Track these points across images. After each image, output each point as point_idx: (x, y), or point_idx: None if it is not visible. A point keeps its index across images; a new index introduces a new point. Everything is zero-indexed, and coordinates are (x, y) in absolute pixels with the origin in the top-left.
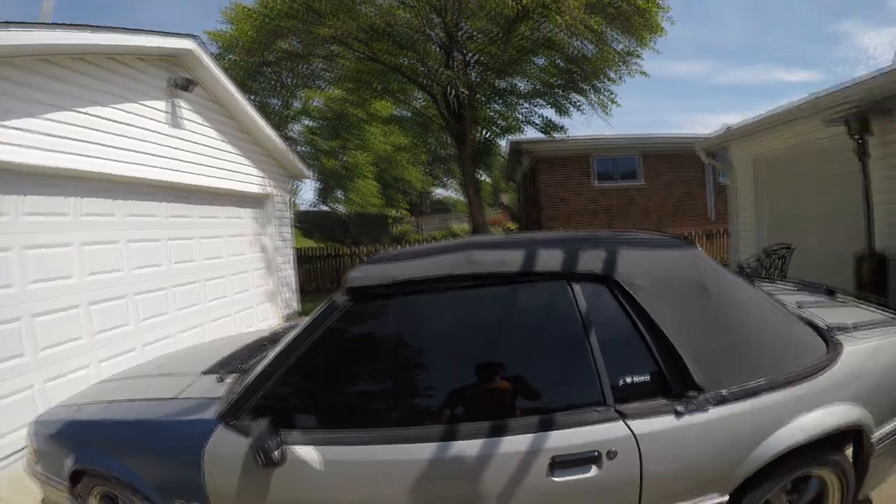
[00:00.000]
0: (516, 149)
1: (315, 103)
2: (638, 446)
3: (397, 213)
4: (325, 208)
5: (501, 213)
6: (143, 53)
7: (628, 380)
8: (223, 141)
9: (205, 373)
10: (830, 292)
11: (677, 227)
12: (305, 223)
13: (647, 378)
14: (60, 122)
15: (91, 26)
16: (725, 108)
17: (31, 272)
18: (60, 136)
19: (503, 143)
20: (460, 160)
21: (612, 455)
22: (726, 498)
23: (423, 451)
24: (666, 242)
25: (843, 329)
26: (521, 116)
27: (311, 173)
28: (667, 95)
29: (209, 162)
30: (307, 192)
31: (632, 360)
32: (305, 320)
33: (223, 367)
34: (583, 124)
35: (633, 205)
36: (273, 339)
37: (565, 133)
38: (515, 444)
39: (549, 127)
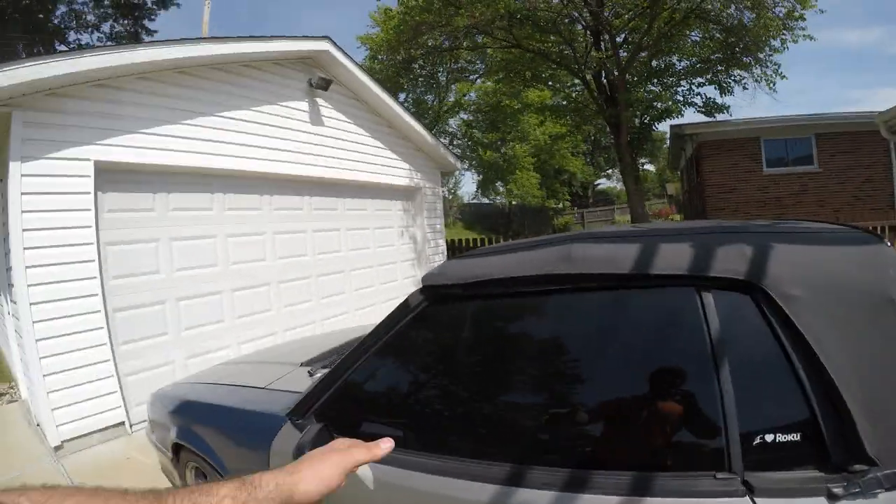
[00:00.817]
0: (678, 134)
1: (469, 97)
2: None
3: (559, 204)
4: (485, 200)
5: (667, 203)
6: (279, 58)
7: (766, 439)
8: (367, 136)
9: (303, 364)
10: None
11: (856, 219)
12: (467, 215)
13: (794, 438)
14: (200, 126)
15: (221, 38)
16: None
17: (177, 260)
18: (199, 139)
19: (664, 129)
20: (617, 147)
21: None
22: None
23: (482, 492)
24: (840, 236)
25: None
26: (679, 97)
27: (461, 165)
28: (839, 70)
29: (352, 157)
30: (469, 185)
31: (775, 408)
32: (378, 323)
33: (320, 360)
34: (748, 105)
35: (805, 193)
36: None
37: (729, 113)
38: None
39: (710, 107)
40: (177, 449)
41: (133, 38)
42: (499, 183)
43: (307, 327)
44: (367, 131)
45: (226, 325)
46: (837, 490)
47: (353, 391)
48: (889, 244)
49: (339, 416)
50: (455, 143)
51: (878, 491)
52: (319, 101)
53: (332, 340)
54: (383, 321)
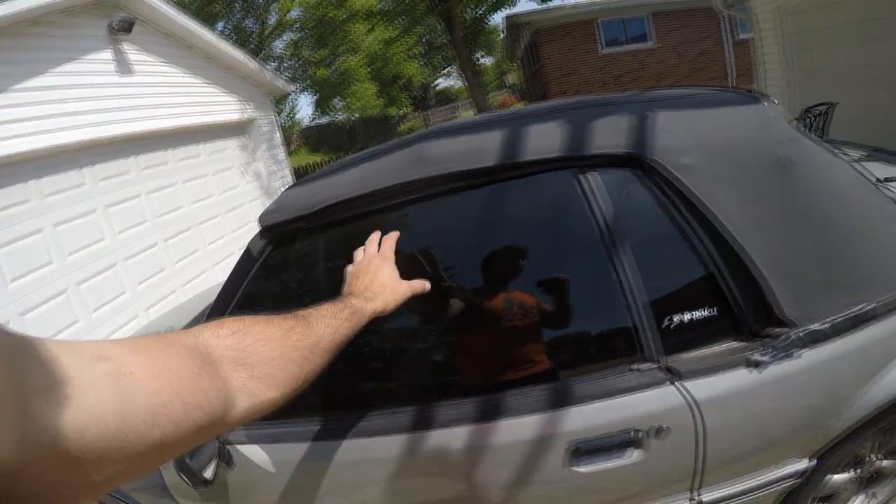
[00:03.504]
0: (514, 24)
1: (292, 14)
2: (699, 415)
3: (401, 110)
4: (325, 121)
5: (508, 94)
6: (69, 6)
7: (681, 319)
8: (186, 74)
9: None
10: None
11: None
12: (310, 138)
13: (709, 313)
14: None
15: None
16: None
17: (5, 269)
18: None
19: (498, 20)
20: (453, 42)
21: (659, 433)
22: (812, 463)
23: (391, 445)
24: (722, 98)
25: None
26: None
27: (292, 87)
28: None
29: (173, 101)
30: (306, 108)
31: (683, 285)
32: (223, 282)
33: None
34: None
35: (644, 69)
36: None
37: None
38: (514, 430)
39: None
40: None
41: None
42: (336, 100)
43: (170, 298)
44: (184, 69)
45: (81, 323)
46: (759, 357)
47: None
48: (765, 101)
49: None
50: (284, 66)
51: (800, 350)
52: (125, 46)
53: (190, 308)
54: (228, 280)
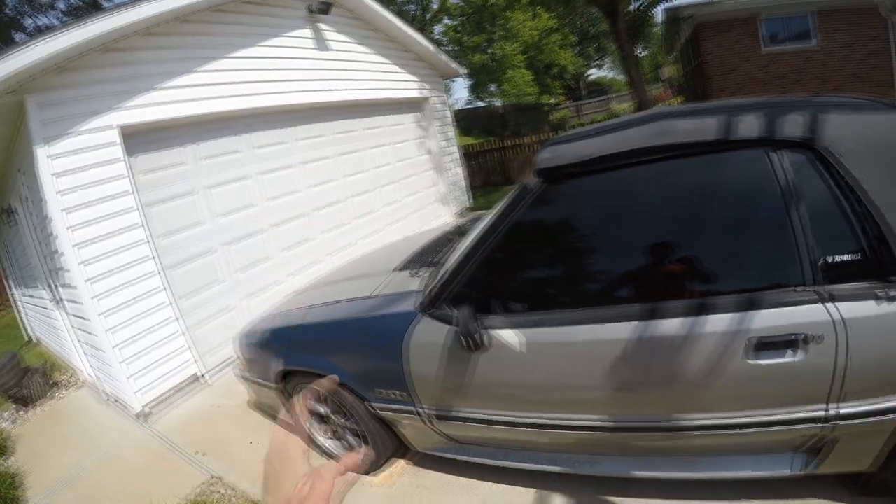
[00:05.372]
0: (673, 16)
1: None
2: (845, 331)
3: (553, 99)
4: (480, 104)
5: (663, 88)
6: None
7: (835, 259)
8: (372, 53)
9: (397, 270)
10: None
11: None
12: (463, 121)
13: (855, 257)
14: (212, 71)
15: None
16: None
17: (216, 208)
18: (214, 84)
19: (657, 13)
20: (615, 35)
21: (816, 339)
22: None
23: (621, 330)
24: (874, 105)
25: None
26: None
27: (462, 70)
28: None
29: (361, 76)
30: (461, 91)
31: (839, 237)
32: (497, 207)
33: (414, 263)
34: None
35: (806, 70)
36: (460, 231)
37: None
38: (713, 323)
39: None
40: (283, 377)
41: (92, 6)
42: (492, 85)
43: (348, 250)
44: (370, 48)
45: (274, 260)
46: (889, 292)
47: (490, 272)
48: None
49: (480, 296)
50: (444, 49)
51: None
52: (321, 25)
53: (401, 250)
54: (503, 207)
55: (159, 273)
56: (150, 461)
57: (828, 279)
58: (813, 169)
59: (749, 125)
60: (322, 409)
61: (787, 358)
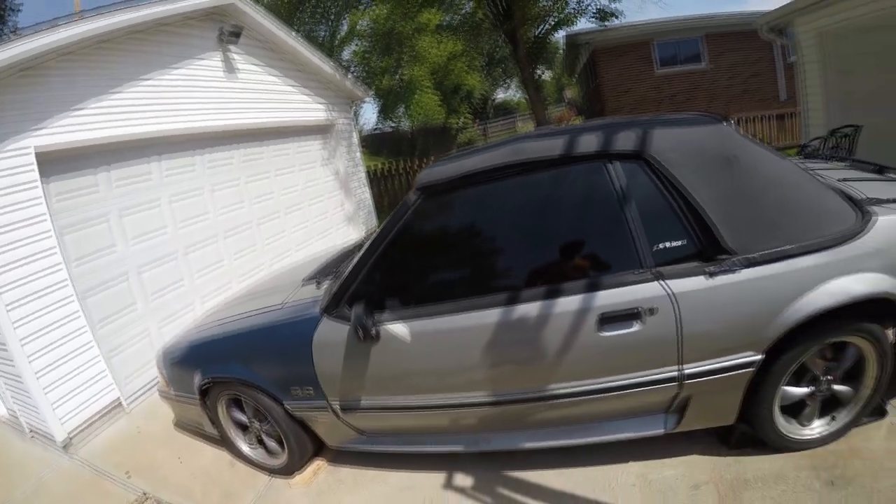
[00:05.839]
0: (573, 42)
1: (361, 24)
2: (676, 303)
3: (461, 121)
4: (388, 127)
5: (567, 108)
6: (189, 16)
7: (665, 245)
8: (279, 79)
9: (304, 281)
10: (881, 170)
11: (745, 111)
12: (372, 143)
13: (681, 243)
14: (126, 95)
15: (136, 5)
16: None
17: (129, 233)
18: (128, 109)
19: (559, 37)
20: (516, 60)
21: (652, 311)
22: (761, 356)
23: (492, 315)
24: (695, 120)
25: (879, 202)
26: (572, 8)
27: (368, 94)
28: None
29: (268, 102)
30: (369, 114)
31: (667, 227)
32: (385, 220)
33: (319, 275)
34: (638, 11)
35: (697, 90)
36: (358, 246)
37: (621, 18)
38: (568, 304)
39: (602, 14)
40: (204, 391)
41: None
42: (400, 107)
43: (259, 272)
44: (278, 74)
45: (187, 286)
46: (712, 269)
47: (380, 274)
48: (727, 123)
49: (372, 296)
50: (352, 71)
51: (738, 269)
52: (232, 52)
53: (308, 265)
54: (391, 217)
55: (76, 298)
56: (78, 488)
57: (660, 262)
58: (643, 174)
59: (589, 142)
60: (243, 417)
61: (633, 328)
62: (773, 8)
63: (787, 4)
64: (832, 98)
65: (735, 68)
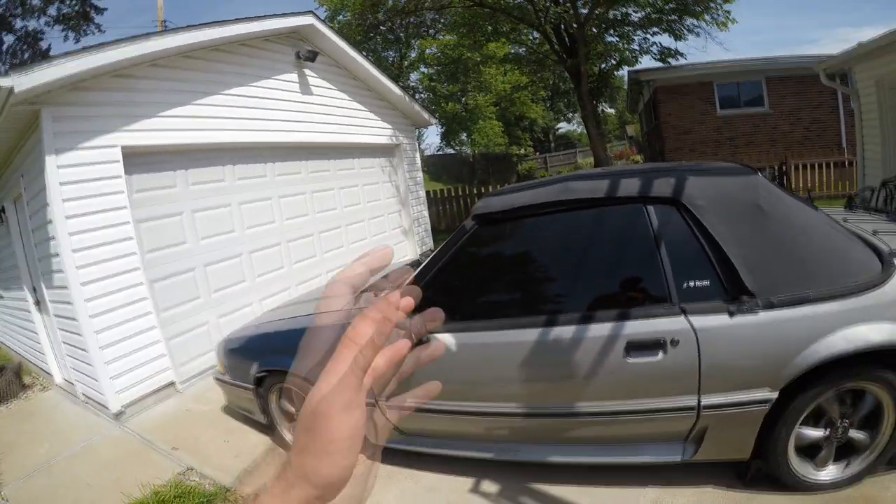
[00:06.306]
0: (635, 80)
1: (430, 51)
2: (696, 337)
3: (522, 150)
4: (450, 151)
5: (628, 145)
6: (269, 35)
7: (692, 284)
8: (350, 100)
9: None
10: None
11: (805, 157)
12: (433, 167)
13: (706, 283)
14: (206, 104)
15: (220, 22)
16: (873, 20)
17: (200, 230)
18: (207, 117)
19: (622, 74)
20: (578, 95)
21: (674, 343)
22: (776, 395)
23: (531, 334)
24: (730, 170)
25: None
26: (636, 46)
27: (433, 119)
28: (799, 8)
29: (339, 120)
30: (432, 137)
31: (695, 267)
32: (443, 242)
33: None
34: (701, 51)
35: (758, 133)
36: (416, 263)
37: (683, 58)
38: (600, 330)
39: (665, 54)
40: (258, 381)
41: (82, 17)
42: (463, 133)
43: (313, 280)
44: (349, 95)
45: (247, 284)
46: (732, 308)
47: (434, 290)
48: (758, 173)
49: (425, 306)
50: (416, 97)
51: (758, 310)
52: (307, 71)
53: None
54: (449, 240)
55: (145, 283)
56: (125, 454)
57: (686, 299)
58: (677, 217)
59: (630, 186)
60: (292, 408)
61: (657, 357)
62: (833, 53)
63: (845, 52)
64: (889, 148)
65: (796, 113)
